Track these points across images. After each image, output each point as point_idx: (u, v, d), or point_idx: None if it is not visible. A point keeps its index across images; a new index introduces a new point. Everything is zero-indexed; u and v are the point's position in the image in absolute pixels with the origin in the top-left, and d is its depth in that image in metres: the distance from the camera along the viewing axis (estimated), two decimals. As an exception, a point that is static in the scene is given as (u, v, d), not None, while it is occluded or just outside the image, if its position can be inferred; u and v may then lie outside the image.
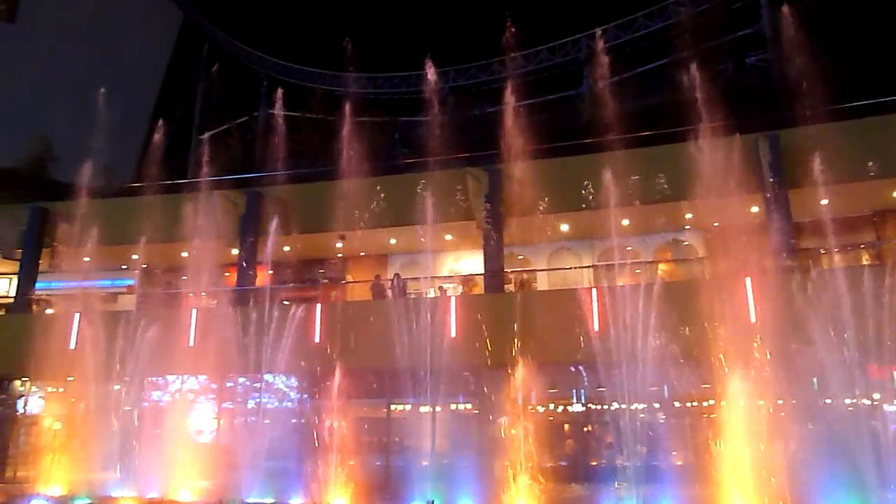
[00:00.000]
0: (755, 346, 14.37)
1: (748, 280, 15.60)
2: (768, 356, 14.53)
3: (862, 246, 18.02)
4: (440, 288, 20.37)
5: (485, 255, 19.77)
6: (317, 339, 17.84)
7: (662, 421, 15.34)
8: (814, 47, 19.14)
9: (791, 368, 15.13)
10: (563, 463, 16.70)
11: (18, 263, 23.38)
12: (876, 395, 15.11)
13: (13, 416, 21.63)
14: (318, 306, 18.56)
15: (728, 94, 20.72)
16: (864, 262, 17.53)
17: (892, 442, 16.43)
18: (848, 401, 14.30)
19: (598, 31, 37.79)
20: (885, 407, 16.09)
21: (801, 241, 18.64)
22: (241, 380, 19.10)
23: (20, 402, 22.07)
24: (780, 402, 14.86)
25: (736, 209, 18.68)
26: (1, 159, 37.58)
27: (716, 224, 19.97)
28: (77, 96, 35.03)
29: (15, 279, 24.07)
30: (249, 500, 14.29)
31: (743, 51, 37.53)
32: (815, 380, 15.05)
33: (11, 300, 23.89)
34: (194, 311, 18.58)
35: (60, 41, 46.61)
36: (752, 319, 14.96)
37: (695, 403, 17.20)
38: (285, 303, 21.47)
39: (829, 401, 15.05)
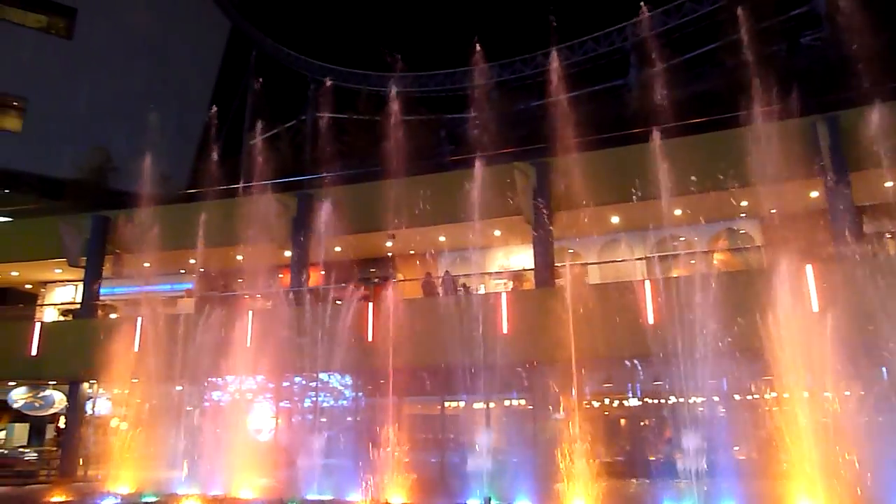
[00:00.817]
0: (818, 335, 13.89)
1: (809, 268, 15.08)
2: (833, 346, 14.02)
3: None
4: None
5: (534, 249, 19.63)
6: (370, 338, 18.02)
7: (722, 414, 14.97)
8: (871, 23, 18.35)
9: (858, 358, 14.57)
10: (621, 458, 16.45)
11: (83, 270, 24.24)
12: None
13: (82, 417, 22.53)
14: (370, 305, 18.75)
15: (782, 76, 20.03)
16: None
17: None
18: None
19: (643, 17, 37.03)
20: None
21: (864, 226, 17.93)
22: (297, 379, 19.44)
23: (88, 404, 22.98)
24: (847, 393, 14.33)
25: (794, 195, 18.11)
26: (65, 171, 39.16)
27: (773, 211, 19.40)
28: (133, 108, 36.25)
29: (80, 286, 25.02)
30: (309, 497, 14.53)
31: (797, 30, 36.25)
32: (883, 370, 14.47)
33: (78, 306, 24.86)
34: (250, 312, 18.98)
35: (115, 55, 48.21)
36: (815, 308, 14.47)
37: (756, 396, 16.73)
38: (338, 302, 21.77)
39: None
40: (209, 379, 19.96)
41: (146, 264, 21.51)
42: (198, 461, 17.76)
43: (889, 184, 16.70)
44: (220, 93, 53.90)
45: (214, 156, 25.85)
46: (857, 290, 13.45)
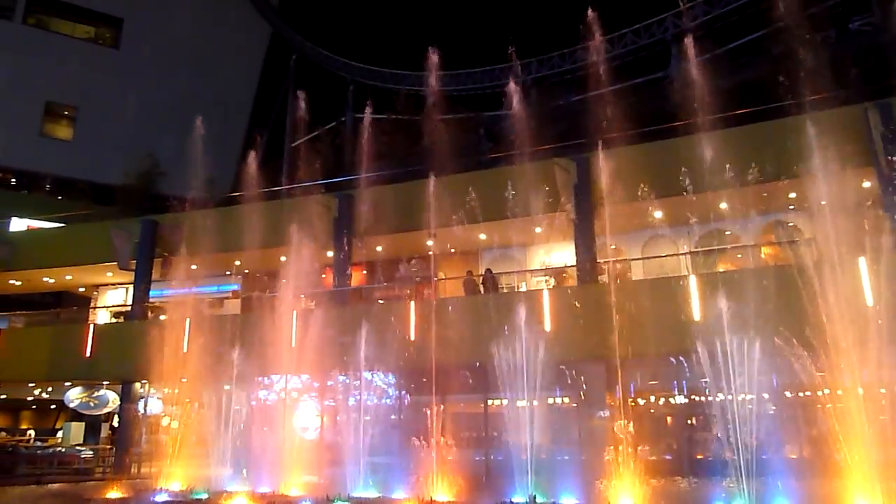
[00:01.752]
0: (872, 329, 13.44)
1: (862, 260, 14.59)
2: (887, 340, 13.55)
3: None
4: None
5: (576, 246, 19.45)
6: (412, 337, 18.10)
7: (772, 412, 14.59)
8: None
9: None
10: (668, 456, 16.19)
11: (133, 274, 24.90)
12: None
13: (134, 416, 23.17)
14: (412, 304, 18.83)
15: (832, 63, 19.41)
16: None
17: None
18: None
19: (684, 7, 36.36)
20: None
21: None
22: (342, 378, 19.65)
23: (140, 404, 23.62)
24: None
25: (845, 185, 17.52)
26: (114, 177, 40.34)
27: (823, 202, 18.80)
28: (178, 114, 37.09)
29: (131, 288, 25.71)
30: (354, 495, 14.67)
31: (846, 16, 35.12)
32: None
33: (129, 308, 25.57)
34: (294, 312, 19.24)
35: (160, 63, 49.50)
36: (869, 302, 13.99)
37: (808, 393, 16.28)
38: (380, 301, 21.92)
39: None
40: (256, 378, 20.31)
41: (193, 266, 22.00)
42: (246, 459, 18.10)
43: (947, 172, 16.09)
44: (261, 97, 54.87)
45: (257, 159, 26.27)
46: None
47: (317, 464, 18.02)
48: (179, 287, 22.41)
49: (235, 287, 26.60)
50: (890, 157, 15.93)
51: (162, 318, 23.66)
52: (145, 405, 23.70)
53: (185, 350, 19.83)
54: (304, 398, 20.42)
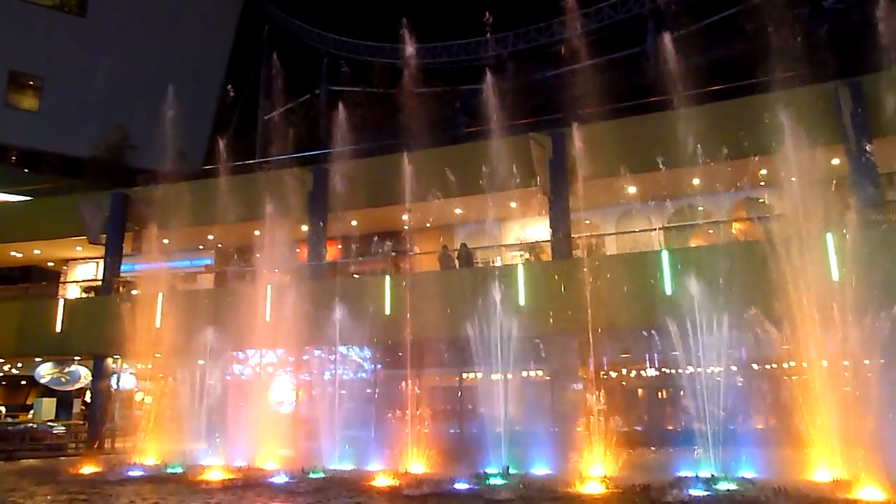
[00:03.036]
0: (837, 304, 13.78)
1: (829, 236, 14.91)
2: (851, 315, 13.91)
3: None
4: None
5: (551, 220, 19.56)
6: (387, 311, 18.14)
7: (740, 384, 14.96)
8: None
9: (877, 327, 14.45)
10: (638, 428, 16.53)
11: (104, 248, 24.54)
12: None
13: (107, 392, 23.01)
14: (387, 278, 18.84)
15: (804, 40, 19.57)
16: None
17: None
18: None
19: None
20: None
21: (887, 194, 17.64)
22: (317, 352, 19.67)
23: (113, 379, 23.45)
24: (866, 362, 14.23)
25: (815, 162, 17.80)
26: (83, 150, 39.49)
27: (793, 179, 19.09)
28: (149, 85, 36.29)
29: (101, 263, 25.36)
30: (331, 468, 14.78)
31: (820, -7, 35.42)
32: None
33: (100, 283, 25.23)
34: (269, 287, 19.16)
35: (129, 33, 48.22)
36: (835, 277, 14.33)
37: (774, 366, 16.69)
38: (355, 276, 21.90)
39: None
40: (230, 353, 20.26)
41: (165, 241, 21.73)
42: (221, 433, 18.11)
43: (913, 149, 16.42)
44: (233, 68, 53.87)
45: (230, 132, 25.89)
46: (877, 259, 13.27)
47: (292, 437, 18.11)
48: (151, 261, 22.15)
49: (208, 261, 26.35)
50: (859, 135, 16.19)
51: (134, 292, 23.42)
52: (118, 380, 23.53)
53: (157, 325, 19.69)
54: (279, 373, 20.42)
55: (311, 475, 13.76)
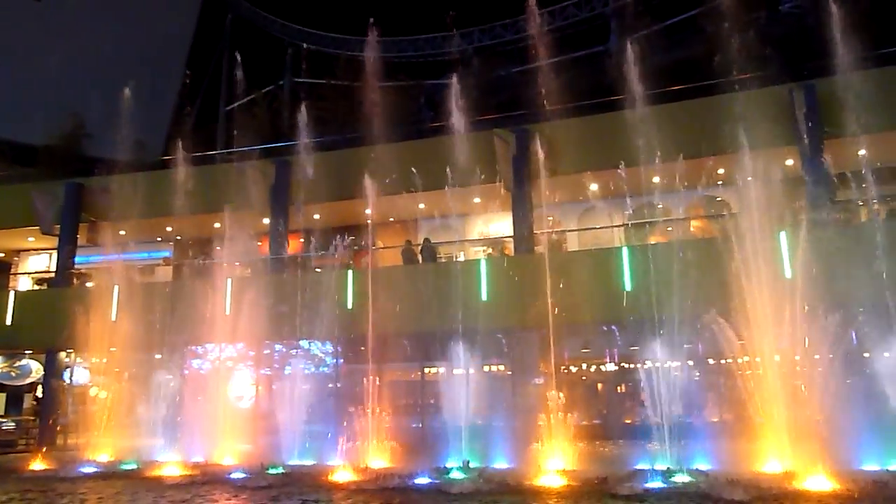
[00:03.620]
0: (790, 301, 14.18)
1: (783, 235, 15.32)
2: (804, 311, 14.33)
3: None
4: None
5: (514, 216, 19.68)
6: (349, 306, 18.05)
7: (697, 378, 15.29)
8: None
9: (829, 323, 14.91)
10: (597, 421, 16.77)
11: (57, 239, 23.91)
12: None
13: (60, 387, 22.43)
14: (350, 273, 18.75)
15: (761, 43, 20.00)
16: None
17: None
18: (887, 354, 14.09)
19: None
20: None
21: (839, 194, 18.17)
22: (278, 347, 19.48)
23: (66, 374, 22.87)
24: (816, 356, 14.68)
25: (770, 162, 18.25)
26: (36, 137, 38.28)
27: (749, 178, 19.53)
28: (106, 72, 35.41)
29: (55, 254, 24.69)
30: (290, 463, 14.67)
31: (777, -2, 36.21)
32: (853, 334, 14.83)
33: (53, 275, 24.56)
34: (229, 280, 18.90)
35: (86, 17, 46.91)
36: (788, 275, 14.73)
37: (729, 360, 17.09)
38: (317, 270, 21.74)
39: (867, 355, 14.85)
40: (189, 347, 19.94)
41: (122, 232, 21.24)
42: (179, 428, 17.83)
43: (862, 152, 16.90)
44: (195, 57, 52.82)
45: (190, 122, 25.43)
46: (827, 257, 13.70)
47: (252, 432, 17.93)
48: (107, 253, 21.66)
49: (167, 254, 25.86)
50: (812, 137, 16.63)
51: (89, 285, 22.86)
52: (71, 375, 22.95)
53: (113, 318, 19.27)
54: (239, 367, 20.17)
55: (271, 471, 13.64)
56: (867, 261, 13.62)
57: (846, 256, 13.42)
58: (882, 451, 12.02)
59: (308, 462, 14.99)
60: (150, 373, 17.57)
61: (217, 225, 20.57)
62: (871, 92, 14.44)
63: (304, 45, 49.57)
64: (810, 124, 16.71)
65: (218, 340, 18.41)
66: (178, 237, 25.33)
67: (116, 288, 20.15)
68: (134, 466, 15.10)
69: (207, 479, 13.44)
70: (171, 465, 14.74)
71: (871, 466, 11.87)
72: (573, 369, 18.52)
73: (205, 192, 20.47)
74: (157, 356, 21.99)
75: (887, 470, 11.58)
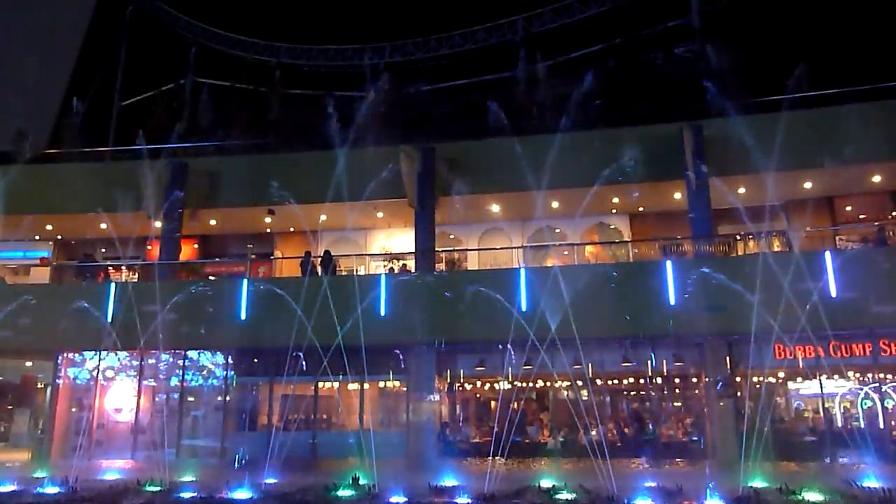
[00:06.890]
0: (674, 324, 15.01)
1: (669, 263, 16.21)
2: (686, 334, 15.22)
3: (774, 234, 18.85)
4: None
5: (416, 233, 19.78)
6: (243, 316, 17.50)
7: (585, 398, 15.81)
8: (736, 41, 19.77)
9: (710, 346, 15.89)
10: (488, 438, 16.99)
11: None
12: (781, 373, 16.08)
13: None
14: (245, 282, 18.20)
15: (656, 82, 21.25)
16: (776, 249, 18.43)
17: (792, 412, 17.53)
18: (756, 378, 15.16)
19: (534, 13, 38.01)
20: (790, 383, 17.17)
21: (720, 227, 19.43)
22: (164, 356, 18.60)
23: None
24: (708, 379, 15.59)
25: (660, 195, 19.38)
26: None
27: (641, 209, 20.58)
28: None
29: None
30: (174, 480, 13.94)
31: (672, 41, 38.45)
32: (727, 357, 15.86)
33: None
34: (113, 284, 17.92)
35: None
36: (672, 302, 15.57)
37: (616, 381, 17.82)
38: (211, 278, 21.00)
39: (738, 379, 15.91)
40: (64, 354, 18.71)
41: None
42: (49, 441, 16.60)
43: (742, 190, 18.20)
44: (89, 49, 50.00)
45: (81, 115, 24.03)
46: (708, 286, 14.59)
47: (131, 447, 16.96)
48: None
49: (45, 254, 24.18)
50: (698, 173, 17.70)
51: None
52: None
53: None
54: (119, 377, 19.07)
55: (149, 488, 12.89)
56: (748, 290, 14.43)
57: (725, 286, 14.25)
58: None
59: (189, 479, 14.29)
60: (18, 380, 16.32)
61: (104, 226, 19.48)
62: (753, 135, 15.52)
63: (210, 45, 48.07)
64: (697, 161, 17.77)
65: (97, 347, 17.38)
66: (59, 237, 23.80)
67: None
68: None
69: (75, 498, 12.49)
70: (36, 481, 13.62)
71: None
72: (468, 386, 18.73)
73: (93, 189, 19.35)
74: (28, 363, 20.52)
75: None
